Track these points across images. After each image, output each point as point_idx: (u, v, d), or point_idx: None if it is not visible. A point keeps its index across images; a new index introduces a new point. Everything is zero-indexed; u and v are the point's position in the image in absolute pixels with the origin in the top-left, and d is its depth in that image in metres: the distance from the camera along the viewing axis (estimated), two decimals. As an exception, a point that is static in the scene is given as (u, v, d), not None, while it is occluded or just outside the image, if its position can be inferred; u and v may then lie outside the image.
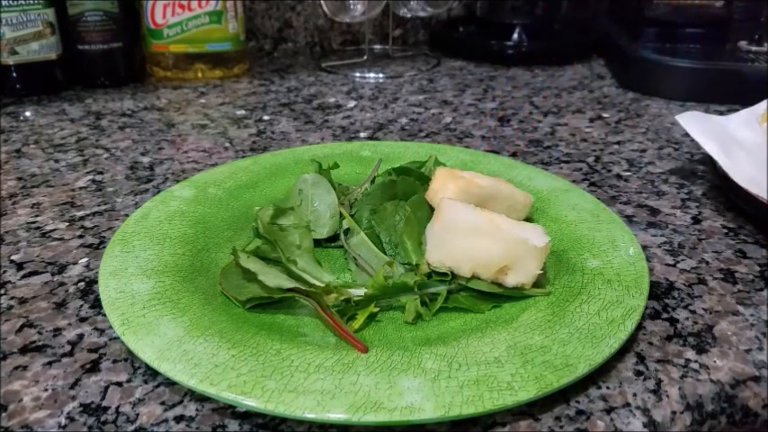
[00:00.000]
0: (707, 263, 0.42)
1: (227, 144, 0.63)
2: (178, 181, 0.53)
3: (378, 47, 1.06)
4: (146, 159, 0.59)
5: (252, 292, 0.35)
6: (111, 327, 0.34)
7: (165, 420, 0.28)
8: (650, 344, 0.34)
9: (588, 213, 0.44)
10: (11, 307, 0.36)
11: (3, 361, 0.32)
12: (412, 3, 0.94)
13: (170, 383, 0.30)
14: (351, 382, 0.28)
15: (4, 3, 0.71)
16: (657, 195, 0.52)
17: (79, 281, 0.39)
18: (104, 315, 0.35)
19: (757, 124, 0.55)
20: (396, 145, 0.57)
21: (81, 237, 0.44)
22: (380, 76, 0.90)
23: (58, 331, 0.34)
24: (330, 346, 0.32)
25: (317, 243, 0.41)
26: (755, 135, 0.55)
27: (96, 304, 0.36)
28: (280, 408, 0.27)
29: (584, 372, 0.29)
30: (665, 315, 0.36)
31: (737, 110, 0.58)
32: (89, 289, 0.38)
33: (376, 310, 0.34)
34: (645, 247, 0.43)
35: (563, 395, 0.30)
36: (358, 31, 1.08)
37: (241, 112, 0.73)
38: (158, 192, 0.51)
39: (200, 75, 0.86)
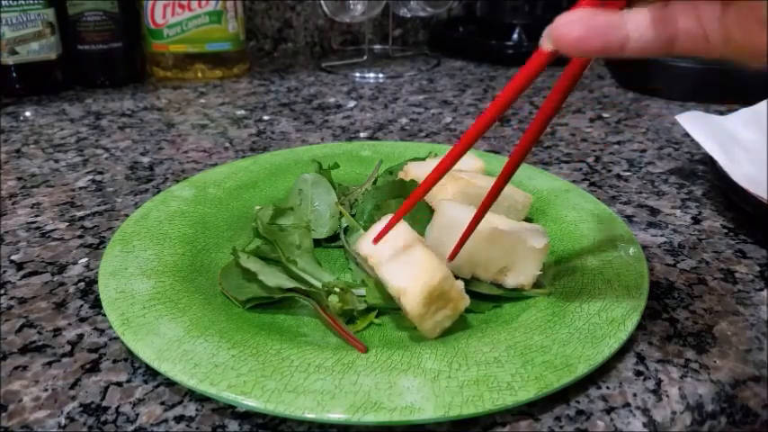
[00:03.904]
0: (707, 263, 0.42)
1: (227, 144, 0.63)
2: (178, 181, 0.53)
3: (378, 47, 1.06)
4: (146, 159, 0.59)
5: (252, 292, 0.35)
6: (111, 327, 0.34)
7: (165, 420, 0.28)
8: (650, 344, 0.34)
9: (588, 213, 0.44)
10: (11, 307, 0.36)
11: (3, 361, 0.32)
12: (412, 3, 0.94)
13: (170, 383, 0.30)
14: (351, 382, 0.28)
15: (4, 3, 0.71)
16: (657, 195, 0.52)
17: (79, 281, 0.39)
18: (104, 315, 0.35)
19: (758, 124, 0.55)
20: (396, 145, 0.57)
21: (81, 237, 0.44)
22: (380, 76, 0.90)
23: (57, 331, 0.34)
24: (330, 346, 0.32)
25: (317, 243, 0.41)
26: (755, 135, 0.55)
27: (96, 304, 0.36)
28: (280, 408, 0.27)
29: (584, 372, 0.29)
30: (665, 315, 0.36)
31: (737, 110, 0.58)
32: (89, 289, 0.38)
33: (378, 322, 0.34)
34: (645, 247, 0.43)
35: (563, 395, 0.30)
36: (358, 31, 1.08)
37: (241, 112, 0.73)
38: (158, 192, 0.51)
39: (200, 75, 0.86)
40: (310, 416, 0.27)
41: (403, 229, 0.35)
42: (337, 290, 0.34)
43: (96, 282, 0.38)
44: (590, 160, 0.60)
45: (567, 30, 0.23)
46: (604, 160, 0.60)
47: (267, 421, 0.28)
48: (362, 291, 0.35)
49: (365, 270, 0.38)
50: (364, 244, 0.35)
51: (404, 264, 0.32)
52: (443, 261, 0.33)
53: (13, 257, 0.41)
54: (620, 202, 0.51)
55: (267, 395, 0.27)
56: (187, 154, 0.60)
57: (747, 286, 0.39)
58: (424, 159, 0.49)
